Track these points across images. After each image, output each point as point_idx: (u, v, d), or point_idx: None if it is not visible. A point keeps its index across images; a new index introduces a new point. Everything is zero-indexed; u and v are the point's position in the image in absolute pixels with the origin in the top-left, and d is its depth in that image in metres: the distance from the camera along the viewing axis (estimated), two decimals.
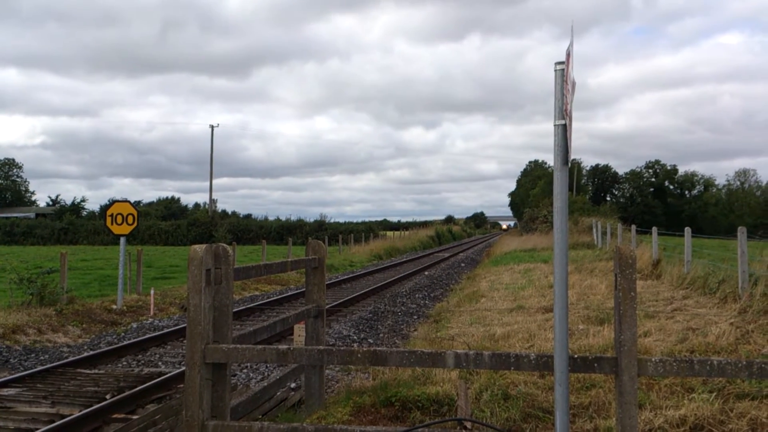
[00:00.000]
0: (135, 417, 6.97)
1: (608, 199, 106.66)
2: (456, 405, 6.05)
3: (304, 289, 18.97)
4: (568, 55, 3.53)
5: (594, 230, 35.44)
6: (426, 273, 27.66)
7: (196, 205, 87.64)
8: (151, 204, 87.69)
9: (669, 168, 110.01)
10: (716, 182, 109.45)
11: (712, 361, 3.84)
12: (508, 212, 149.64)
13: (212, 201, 70.94)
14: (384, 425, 5.80)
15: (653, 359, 3.89)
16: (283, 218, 70.32)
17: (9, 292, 14.67)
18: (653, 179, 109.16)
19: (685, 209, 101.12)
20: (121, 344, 11.24)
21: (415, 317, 14.94)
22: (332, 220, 70.54)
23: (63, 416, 7.08)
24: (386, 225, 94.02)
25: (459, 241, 77.73)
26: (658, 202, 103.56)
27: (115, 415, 7.20)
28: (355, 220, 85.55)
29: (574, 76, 3.65)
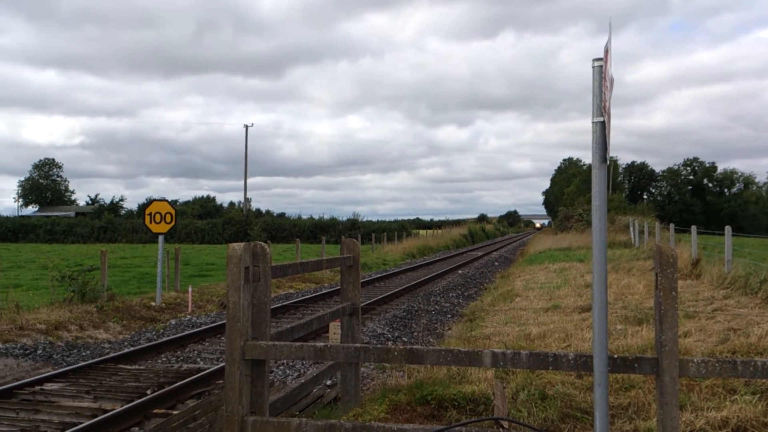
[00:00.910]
0: (175, 412, 7.10)
1: (645, 197, 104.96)
2: (492, 404, 6.03)
3: (337, 288, 19.12)
4: (607, 51, 3.50)
5: (631, 229, 34.92)
6: (459, 272, 27.57)
7: (231, 203, 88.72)
8: (187, 203, 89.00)
9: (708, 165, 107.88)
10: (756, 180, 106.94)
11: (756, 362, 3.76)
12: (542, 211, 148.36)
13: (246, 200, 71.68)
14: (420, 423, 5.81)
15: (695, 360, 3.83)
16: (316, 217, 70.80)
17: (51, 289, 15.05)
18: (691, 177, 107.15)
19: (725, 207, 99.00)
20: (160, 341, 11.45)
21: (449, 316, 14.91)
22: (365, 219, 70.86)
23: (105, 411, 7.25)
24: (419, 224, 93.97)
25: (492, 240, 77.26)
26: (697, 200, 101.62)
27: (155, 410, 7.34)
28: (387, 219, 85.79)
29: (612, 72, 3.61)
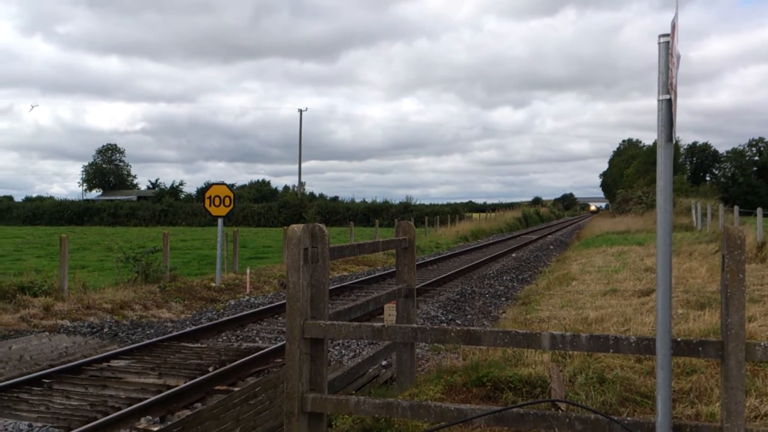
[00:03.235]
0: (236, 389, 7.30)
1: (708, 179, 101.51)
2: (549, 387, 5.99)
3: (390, 271, 19.20)
4: (674, 26, 3.40)
5: (693, 211, 33.89)
6: (513, 255, 27.32)
7: (286, 187, 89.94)
8: (243, 187, 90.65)
9: None
10: None
11: None
12: (600, 193, 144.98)
13: (301, 183, 72.58)
14: (476, 404, 5.82)
15: (762, 344, 3.72)
16: (369, 200, 71.08)
17: (116, 270, 15.60)
18: (757, 158, 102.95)
19: None
20: (220, 320, 11.76)
21: (504, 299, 14.82)
22: (417, 202, 70.64)
23: (170, 387, 7.51)
24: (472, 207, 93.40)
25: (547, 224, 76.17)
26: (762, 182, 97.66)
27: (217, 387, 7.56)
28: (440, 202, 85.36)
29: (678, 49, 3.51)
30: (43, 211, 72.49)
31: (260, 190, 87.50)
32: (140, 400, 6.99)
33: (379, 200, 70.04)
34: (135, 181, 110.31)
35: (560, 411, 4.73)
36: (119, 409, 6.74)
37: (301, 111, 65.90)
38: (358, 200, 72.67)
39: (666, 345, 3.60)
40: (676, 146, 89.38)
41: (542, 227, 63.69)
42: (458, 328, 4.30)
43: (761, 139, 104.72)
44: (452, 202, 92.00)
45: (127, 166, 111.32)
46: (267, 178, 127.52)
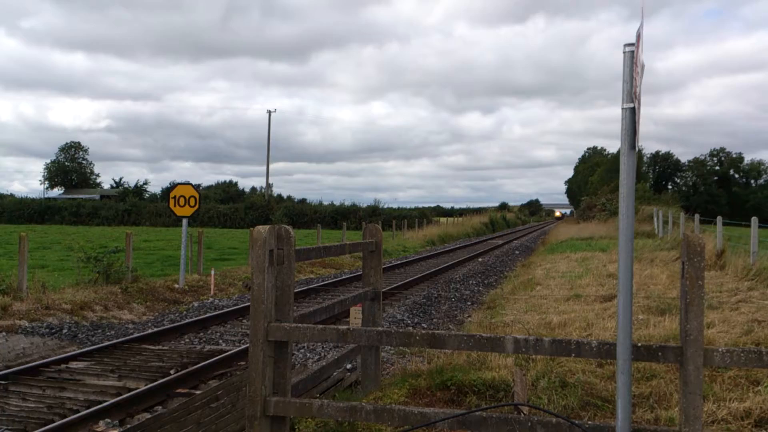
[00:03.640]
0: (198, 392, 7.19)
1: (670, 187, 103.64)
2: (512, 391, 6.04)
3: (357, 273, 19.18)
4: (639, 36, 3.45)
5: (655, 219, 34.55)
6: (480, 260, 27.51)
7: (253, 189, 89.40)
8: (209, 187, 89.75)
9: (734, 156, 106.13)
10: None
11: None
12: (565, 200, 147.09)
13: (268, 185, 72.09)
14: (440, 408, 5.83)
15: (720, 349, 3.80)
16: (337, 203, 70.94)
17: (76, 270, 15.29)
18: (717, 167, 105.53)
19: (751, 199, 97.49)
20: (183, 322, 11.59)
21: (469, 303, 14.90)
22: (386, 206, 70.69)
23: (130, 389, 7.37)
24: (439, 211, 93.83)
25: (513, 229, 76.90)
26: (722, 191, 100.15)
27: (178, 390, 7.45)
28: (408, 206, 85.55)
29: (643, 58, 3.57)
30: (2, 209, 70.77)
31: (227, 191, 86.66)
32: (99, 402, 6.85)
33: (347, 203, 69.99)
34: (98, 180, 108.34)
35: (522, 415, 4.76)
36: (77, 411, 6.59)
37: (269, 112, 65.60)
38: (326, 203, 72.52)
39: (626, 350, 3.65)
40: (640, 155, 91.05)
41: (508, 232, 64.27)
42: (423, 331, 4.30)
43: (722, 149, 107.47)
44: (420, 206, 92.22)
45: (90, 164, 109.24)
46: (234, 179, 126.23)
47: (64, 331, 10.92)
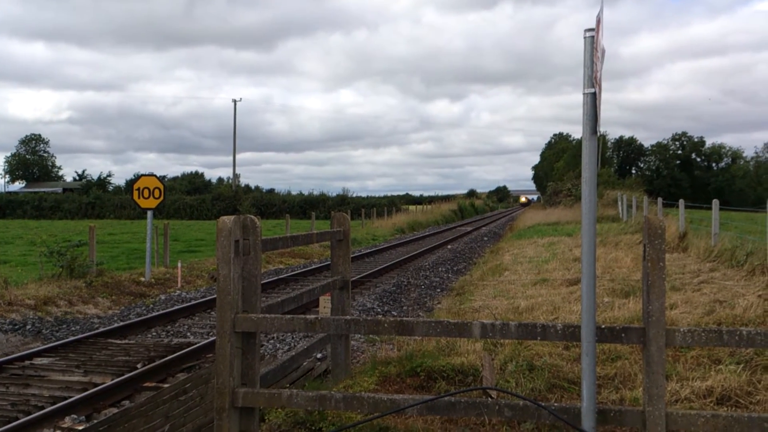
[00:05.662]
0: (166, 386, 7.12)
1: (633, 172, 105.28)
2: (481, 375, 6.09)
3: (327, 263, 19.15)
4: (598, 21, 3.48)
5: (619, 203, 35.10)
6: (449, 247, 27.67)
7: (220, 179, 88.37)
8: (175, 179, 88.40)
9: (696, 140, 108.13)
10: (744, 154, 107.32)
11: (741, 331, 3.81)
12: (532, 186, 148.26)
13: (236, 176, 71.44)
14: (410, 394, 5.86)
15: (681, 329, 3.88)
16: (305, 193, 70.68)
17: (39, 264, 14.99)
18: (680, 152, 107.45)
19: (712, 182, 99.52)
20: (150, 315, 11.45)
21: (439, 290, 14.99)
22: (355, 195, 70.65)
23: (96, 384, 7.27)
24: (409, 199, 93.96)
25: (482, 215, 77.47)
26: (685, 174, 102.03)
27: (146, 384, 7.37)
28: (377, 195, 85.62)
29: (603, 43, 3.60)
30: None
31: (193, 182, 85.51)
32: (65, 398, 6.75)
33: (316, 192, 69.79)
34: (60, 173, 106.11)
35: (491, 399, 4.81)
36: (42, 408, 6.48)
37: (235, 101, 64.82)
38: (294, 192, 72.22)
39: (590, 332, 3.70)
40: (604, 140, 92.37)
41: (477, 219, 64.73)
42: (392, 319, 4.31)
43: (684, 134, 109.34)
44: (389, 194, 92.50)
45: (51, 156, 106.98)
46: (200, 170, 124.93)
47: (28, 327, 10.71)
